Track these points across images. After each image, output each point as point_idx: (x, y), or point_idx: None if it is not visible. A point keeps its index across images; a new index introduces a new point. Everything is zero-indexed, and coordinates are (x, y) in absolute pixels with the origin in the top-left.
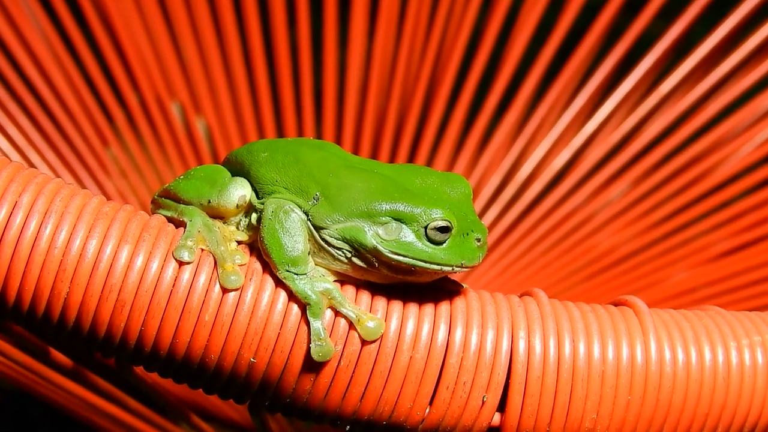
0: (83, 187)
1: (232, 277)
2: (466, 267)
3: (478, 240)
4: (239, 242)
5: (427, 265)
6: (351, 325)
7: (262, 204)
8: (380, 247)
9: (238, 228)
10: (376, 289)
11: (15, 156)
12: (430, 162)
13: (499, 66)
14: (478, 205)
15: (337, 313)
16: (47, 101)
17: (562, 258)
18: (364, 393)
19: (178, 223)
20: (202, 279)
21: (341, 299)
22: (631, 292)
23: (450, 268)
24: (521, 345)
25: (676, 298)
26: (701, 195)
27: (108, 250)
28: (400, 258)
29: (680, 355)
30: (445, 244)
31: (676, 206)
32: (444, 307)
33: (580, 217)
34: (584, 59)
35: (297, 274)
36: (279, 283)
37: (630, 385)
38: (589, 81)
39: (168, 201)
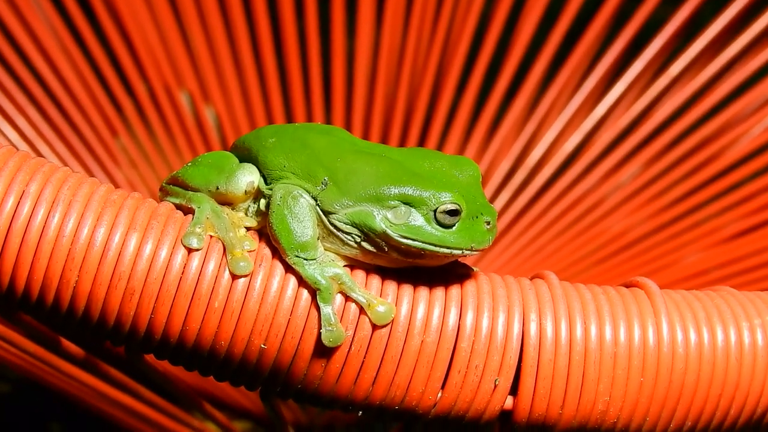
0: (92, 176)
1: (241, 263)
2: (476, 250)
3: (488, 223)
4: (248, 228)
5: (437, 249)
6: (361, 310)
7: (271, 190)
8: (389, 231)
9: (246, 214)
10: (386, 274)
11: (24, 147)
12: (440, 147)
13: (508, 50)
14: (489, 190)
15: (348, 298)
16: (55, 91)
17: (573, 242)
18: (375, 378)
19: (187, 210)
20: (212, 266)
21: (351, 284)
22: (643, 275)
23: (460, 252)
24: (533, 328)
25: (688, 281)
26: (712, 177)
27: (116, 238)
28: (410, 242)
29: (692, 336)
30: (454, 228)
31: (687, 188)
32: (454, 290)
33: (590, 200)
34: (593, 42)
35: (306, 260)
36: (288, 268)
37: (642, 367)
38: (599, 64)
39: (176, 188)
